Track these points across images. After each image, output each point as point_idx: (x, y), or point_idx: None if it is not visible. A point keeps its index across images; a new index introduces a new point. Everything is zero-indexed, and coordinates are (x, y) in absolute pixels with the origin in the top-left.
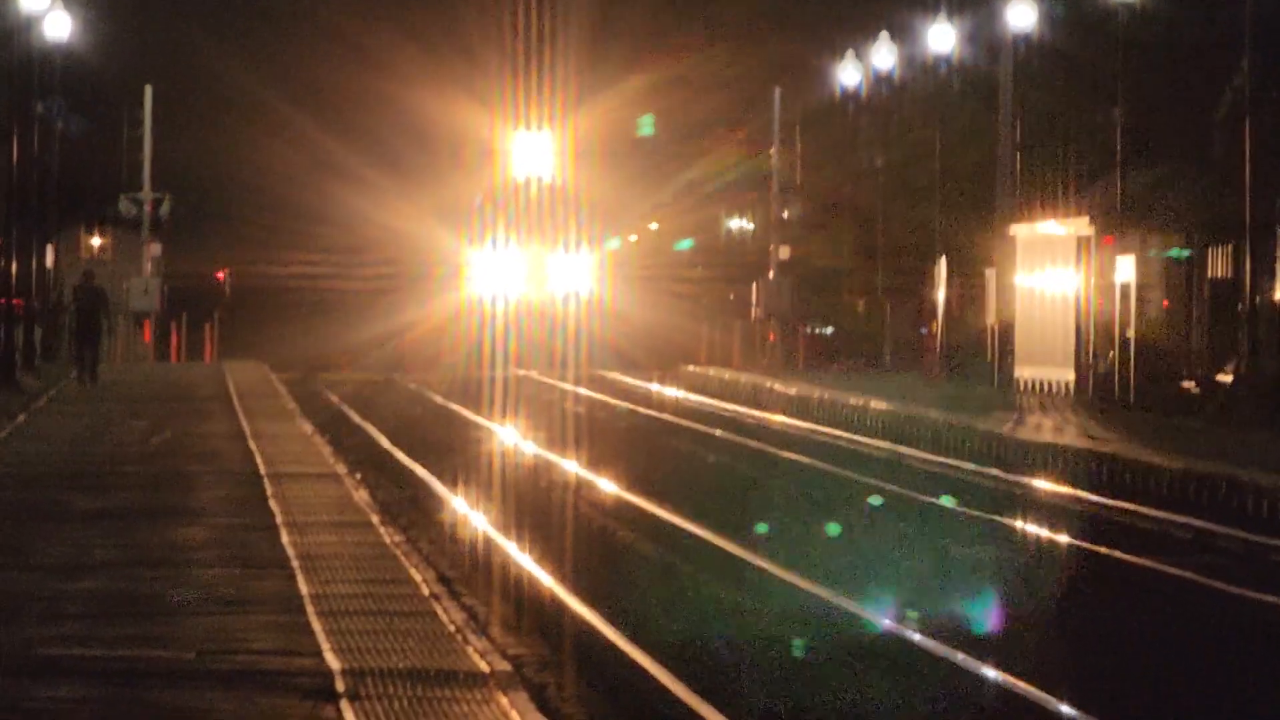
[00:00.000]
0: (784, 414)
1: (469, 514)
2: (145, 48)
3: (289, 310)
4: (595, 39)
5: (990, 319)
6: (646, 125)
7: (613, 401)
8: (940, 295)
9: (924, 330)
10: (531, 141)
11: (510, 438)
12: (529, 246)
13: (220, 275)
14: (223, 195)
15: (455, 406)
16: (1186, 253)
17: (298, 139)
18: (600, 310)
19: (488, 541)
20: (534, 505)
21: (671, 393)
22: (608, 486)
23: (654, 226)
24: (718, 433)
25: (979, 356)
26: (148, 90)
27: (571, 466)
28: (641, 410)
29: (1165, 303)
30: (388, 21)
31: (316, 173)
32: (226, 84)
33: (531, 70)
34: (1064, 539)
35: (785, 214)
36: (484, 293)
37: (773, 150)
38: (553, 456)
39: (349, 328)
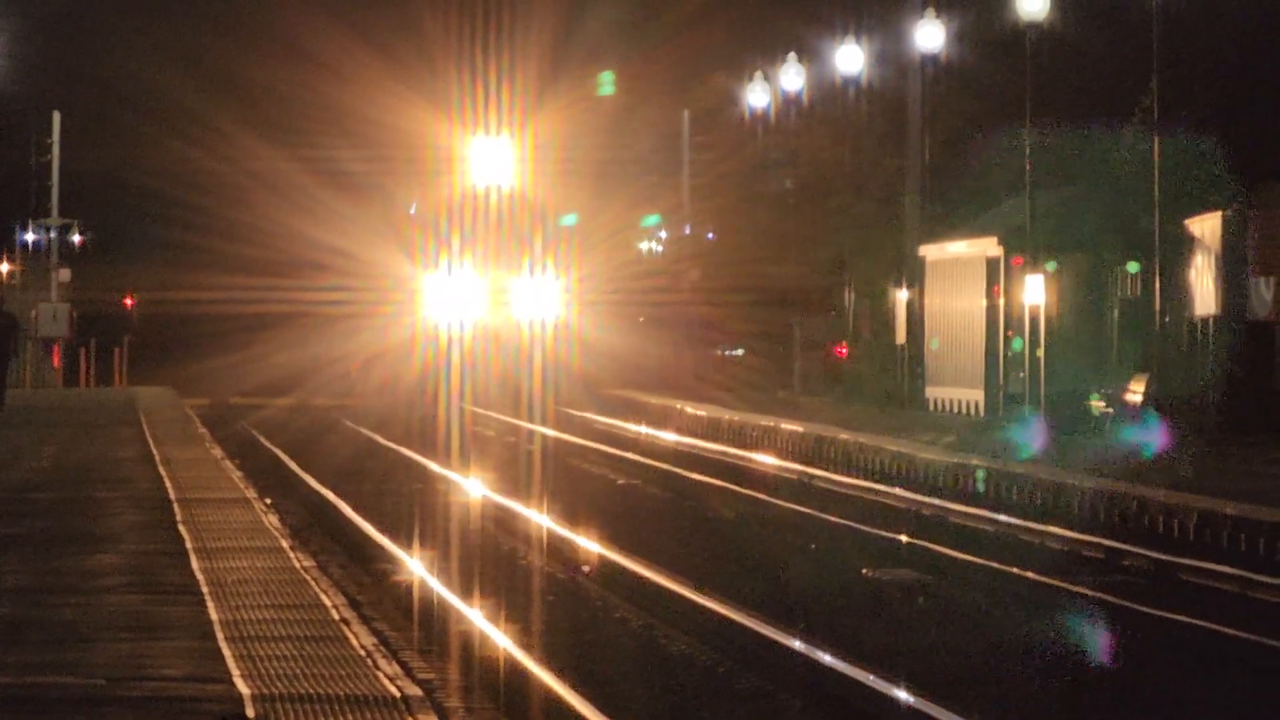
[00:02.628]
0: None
1: (379, 538)
2: (59, 65)
3: (204, 337)
4: (557, 34)
5: (900, 340)
6: (606, 84)
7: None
8: (850, 317)
9: (833, 352)
10: (490, 148)
11: (422, 462)
12: (486, 267)
13: (128, 301)
14: (141, 215)
15: (367, 432)
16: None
17: (226, 149)
18: (566, 337)
19: (398, 565)
20: (444, 529)
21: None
22: (517, 509)
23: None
24: (630, 455)
25: (890, 377)
26: (55, 116)
27: (479, 490)
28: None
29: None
30: (329, 17)
31: (248, 186)
32: (149, 92)
33: (490, 70)
34: (972, 559)
35: (693, 234)
36: (437, 318)
37: (684, 170)
38: (461, 479)
39: (271, 355)
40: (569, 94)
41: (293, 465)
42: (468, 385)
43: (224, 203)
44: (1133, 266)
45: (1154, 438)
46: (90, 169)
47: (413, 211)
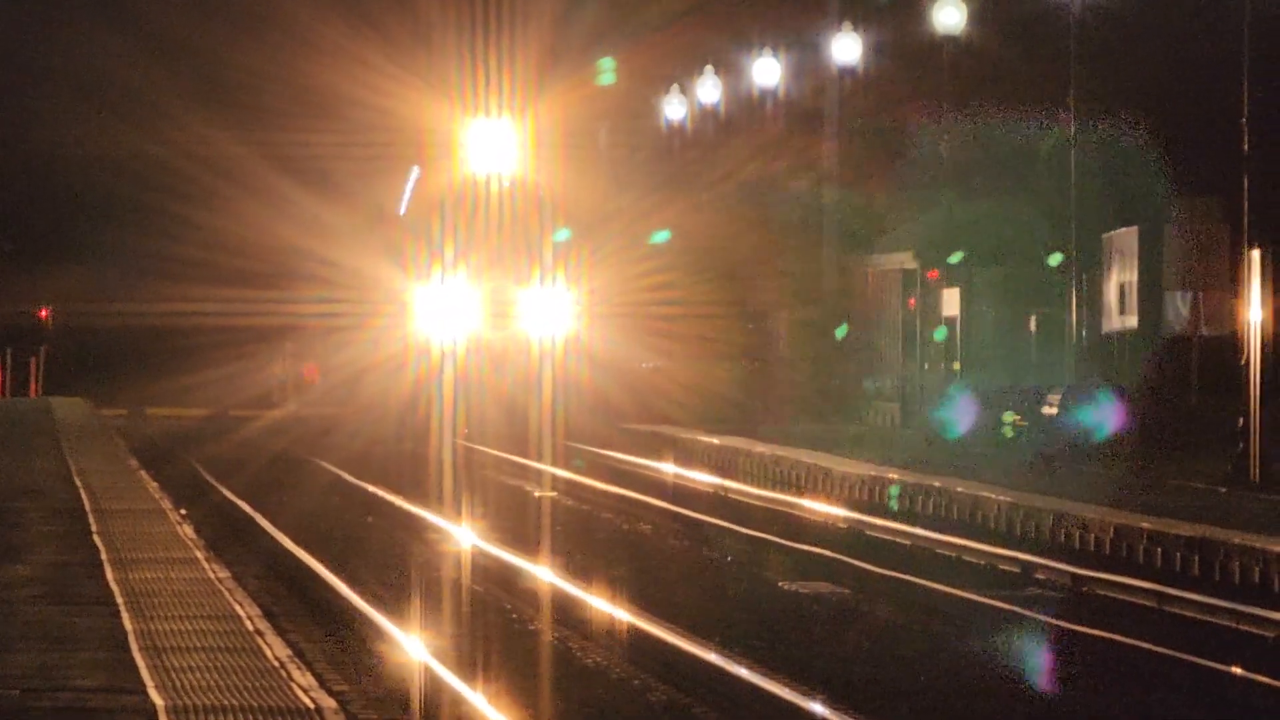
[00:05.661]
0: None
1: (293, 549)
2: None
3: (149, 353)
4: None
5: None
6: (607, 71)
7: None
8: (770, 330)
9: (758, 364)
10: (490, 130)
11: (336, 474)
12: (487, 275)
13: (43, 313)
14: (72, 212)
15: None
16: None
17: (171, 132)
18: (578, 353)
19: (313, 576)
20: (359, 538)
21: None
22: (430, 519)
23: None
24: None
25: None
26: None
27: (393, 499)
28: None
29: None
30: None
31: (198, 175)
32: (78, 66)
33: (490, 48)
34: (891, 572)
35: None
36: (429, 334)
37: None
38: (377, 490)
39: (235, 376)
40: (574, 75)
41: (207, 474)
42: (461, 415)
43: (172, 197)
44: (1054, 258)
45: (1071, 449)
46: (12, 159)
47: (405, 199)
